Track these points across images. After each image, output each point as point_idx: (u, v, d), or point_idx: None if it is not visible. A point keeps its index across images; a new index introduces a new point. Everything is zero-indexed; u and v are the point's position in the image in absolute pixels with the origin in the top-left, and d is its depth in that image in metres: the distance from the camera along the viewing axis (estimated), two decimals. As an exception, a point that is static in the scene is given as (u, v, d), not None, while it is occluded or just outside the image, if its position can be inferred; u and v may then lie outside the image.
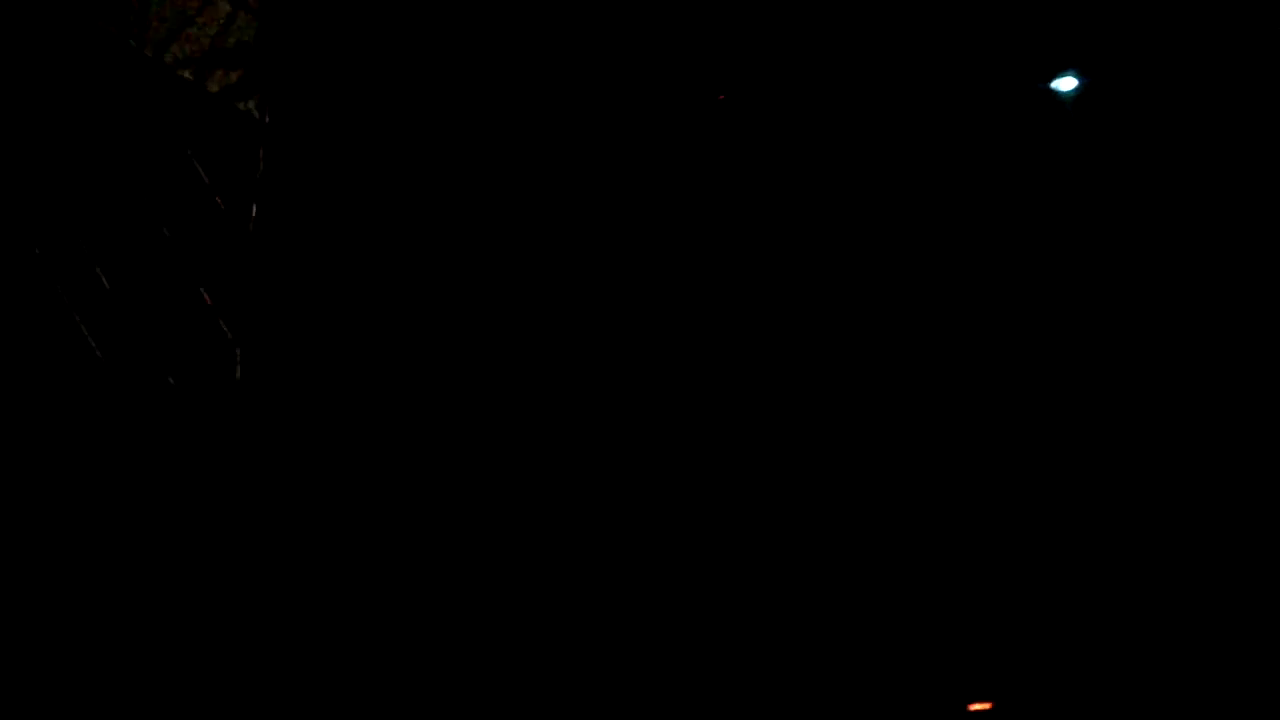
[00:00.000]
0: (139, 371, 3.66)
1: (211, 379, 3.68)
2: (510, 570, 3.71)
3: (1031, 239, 3.98)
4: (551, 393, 3.87)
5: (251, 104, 4.08)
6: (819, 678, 3.71)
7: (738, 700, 3.67)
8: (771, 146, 4.11)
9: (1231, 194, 3.84)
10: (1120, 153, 3.97)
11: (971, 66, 4.04)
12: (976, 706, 3.62)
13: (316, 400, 3.72)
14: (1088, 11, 4.00)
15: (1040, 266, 3.97)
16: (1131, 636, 3.67)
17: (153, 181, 3.95)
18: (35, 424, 3.57)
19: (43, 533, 3.49)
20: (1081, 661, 3.68)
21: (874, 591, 3.78)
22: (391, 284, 3.89)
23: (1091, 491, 3.80)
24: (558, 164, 4.06)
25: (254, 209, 3.88)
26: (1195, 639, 3.62)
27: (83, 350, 3.64)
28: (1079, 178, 3.99)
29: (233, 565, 3.55)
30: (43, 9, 4.04)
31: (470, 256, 3.95)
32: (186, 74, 4.16)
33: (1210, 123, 3.89)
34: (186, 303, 3.76)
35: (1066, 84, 4.01)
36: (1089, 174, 3.98)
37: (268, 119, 4.00)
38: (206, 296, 3.72)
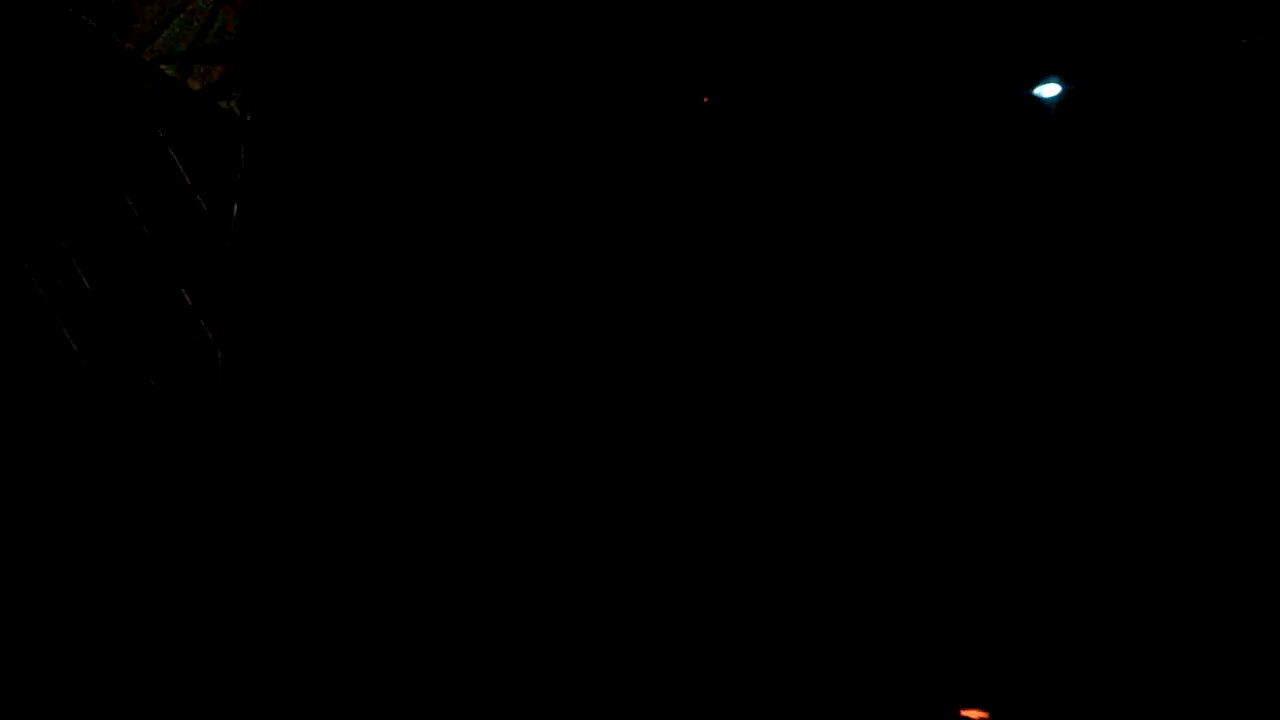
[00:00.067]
0: (120, 373, 3.64)
1: (193, 381, 3.67)
2: (502, 569, 3.71)
3: (1016, 245, 4.00)
4: (538, 393, 3.87)
5: (233, 103, 4.05)
6: (819, 679, 3.74)
7: (737, 701, 3.70)
8: (760, 150, 4.11)
9: (1218, 198, 3.87)
10: (1104, 159, 3.99)
11: (956, 73, 4.05)
12: (971, 714, 3.66)
13: (299, 402, 3.71)
14: (1071, 18, 4.01)
15: (1026, 272, 3.99)
16: (1130, 640, 3.70)
17: (134, 180, 3.92)
18: (15, 426, 3.55)
19: (24, 535, 3.47)
20: (1079, 666, 3.71)
21: (874, 592, 3.80)
22: (374, 284, 3.88)
23: (1084, 493, 3.83)
24: (543, 163, 4.05)
25: (235, 209, 3.85)
26: (1195, 643, 3.66)
27: (63, 351, 3.62)
28: (1063, 184, 4.00)
29: (216, 567, 3.54)
30: (24, 3, 4.00)
31: (454, 255, 3.94)
32: (169, 70, 4.12)
33: (1196, 128, 3.91)
34: (167, 304, 3.74)
35: (1050, 90, 4.03)
36: (1073, 180, 4.00)
37: (249, 117, 3.98)
38: (187, 297, 3.70)
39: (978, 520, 3.84)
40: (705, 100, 4.25)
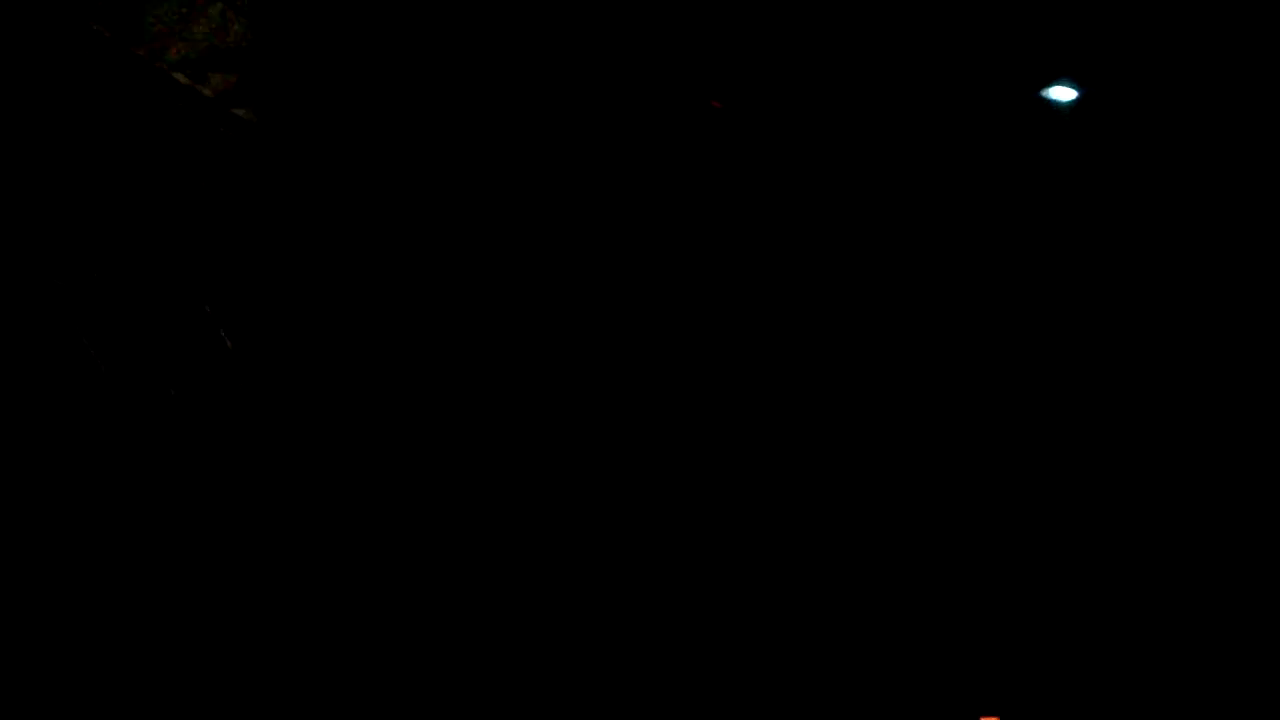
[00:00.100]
0: (141, 383, 3.63)
1: (213, 390, 3.65)
2: (511, 574, 3.71)
3: (1027, 249, 4.03)
4: (550, 396, 3.87)
5: (249, 110, 4.04)
6: (818, 683, 3.75)
7: (738, 701, 3.70)
8: (766, 154, 4.13)
9: (1231, 204, 3.91)
10: (1118, 163, 4.02)
11: (967, 75, 4.07)
12: None
13: (320, 410, 3.71)
14: (1084, 20, 4.04)
15: (1036, 277, 4.01)
16: (1130, 645, 3.73)
17: (150, 189, 3.90)
18: (38, 436, 3.53)
19: (43, 543, 3.45)
20: (1078, 671, 3.74)
21: (873, 594, 3.82)
22: (396, 292, 3.88)
23: (1083, 500, 3.86)
24: (560, 171, 4.06)
25: (253, 217, 3.84)
26: (1195, 650, 3.69)
27: (84, 361, 3.60)
28: (1075, 188, 4.03)
29: (234, 575, 3.53)
30: (35, 10, 3.97)
31: (474, 263, 3.94)
32: (182, 77, 4.10)
33: (1210, 132, 3.95)
34: (186, 313, 3.73)
35: (1063, 93, 4.06)
36: (1085, 184, 4.03)
37: (265, 125, 3.97)
38: (206, 307, 3.69)
39: (990, 524, 3.86)
40: (716, 105, 4.26)
